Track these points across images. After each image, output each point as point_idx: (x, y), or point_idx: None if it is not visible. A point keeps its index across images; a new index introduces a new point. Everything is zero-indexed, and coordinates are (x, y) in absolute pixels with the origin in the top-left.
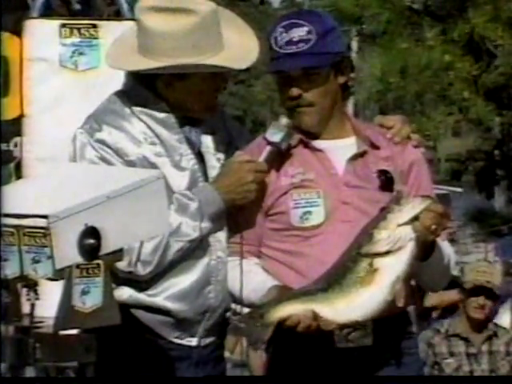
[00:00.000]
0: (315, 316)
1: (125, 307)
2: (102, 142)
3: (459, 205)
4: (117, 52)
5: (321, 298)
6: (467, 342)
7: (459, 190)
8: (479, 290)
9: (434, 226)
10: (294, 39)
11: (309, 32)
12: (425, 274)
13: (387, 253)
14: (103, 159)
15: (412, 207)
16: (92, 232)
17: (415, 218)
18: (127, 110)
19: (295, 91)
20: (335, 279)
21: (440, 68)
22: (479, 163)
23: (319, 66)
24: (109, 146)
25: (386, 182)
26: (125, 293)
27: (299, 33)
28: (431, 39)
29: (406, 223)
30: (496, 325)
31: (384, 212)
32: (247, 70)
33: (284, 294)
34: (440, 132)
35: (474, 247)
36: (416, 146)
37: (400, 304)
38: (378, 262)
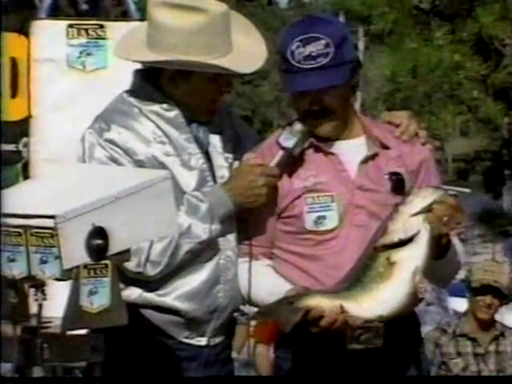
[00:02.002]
0: (342, 310)
1: (134, 307)
2: (111, 141)
3: (466, 205)
4: (126, 44)
5: (345, 295)
6: (474, 342)
7: (466, 190)
8: (487, 289)
9: (446, 218)
10: (313, 54)
11: (326, 45)
12: (438, 271)
13: (402, 244)
14: (112, 159)
15: (423, 197)
16: (99, 232)
17: (428, 210)
18: (136, 110)
19: (317, 106)
20: (356, 278)
21: (449, 68)
22: (487, 163)
23: (341, 83)
24: (118, 146)
25: (398, 183)
26: (134, 292)
27: (317, 47)
28: (439, 39)
29: (418, 213)
30: (503, 325)
31: (397, 206)
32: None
33: (303, 291)
34: (448, 132)
35: (482, 248)
36: (424, 143)
37: (421, 295)
38: (395, 256)
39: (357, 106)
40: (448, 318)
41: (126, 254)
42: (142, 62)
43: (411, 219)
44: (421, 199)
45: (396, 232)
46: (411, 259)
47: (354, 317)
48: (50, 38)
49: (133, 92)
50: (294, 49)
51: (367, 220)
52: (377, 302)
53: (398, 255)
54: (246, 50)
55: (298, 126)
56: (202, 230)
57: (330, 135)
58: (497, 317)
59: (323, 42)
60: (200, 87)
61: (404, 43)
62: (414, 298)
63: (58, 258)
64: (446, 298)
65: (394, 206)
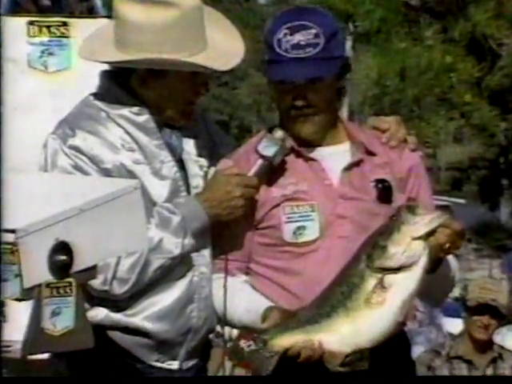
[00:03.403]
0: (319, 346)
1: (100, 328)
2: (75, 148)
3: (461, 217)
4: (91, 44)
5: (325, 326)
6: (470, 365)
7: (461, 201)
8: (484, 308)
9: (447, 245)
10: (302, 43)
11: (316, 35)
12: (430, 288)
13: (399, 269)
14: (77, 167)
15: (429, 221)
16: (63, 247)
17: (430, 233)
18: (103, 114)
19: (300, 101)
20: (339, 300)
21: (440, 70)
22: (482, 172)
23: (329, 75)
24: (83, 153)
25: (384, 191)
26: (100, 312)
27: (307, 36)
28: (430, 38)
29: (420, 237)
30: (502, 347)
31: (397, 223)
32: (231, 71)
33: (282, 316)
34: (440, 138)
35: (478, 263)
36: (413, 150)
37: (409, 321)
38: (390, 279)
39: (344, 112)
40: (441, 338)
41: (92, 271)
42: (109, 63)
43: (414, 243)
44: (427, 223)
45: (397, 256)
46: (406, 285)
47: (333, 355)
48: (8, 36)
49: (100, 95)
50: (281, 37)
51: (351, 231)
52: (361, 331)
53: (393, 279)
54: (222, 47)
55: (279, 133)
56: (174, 245)
57: (312, 137)
58: (496, 338)
59: (313, 31)
60: (174, 88)
61: (391, 43)
62: (401, 326)
63: (19, 275)
64: (438, 315)
65: (390, 219)
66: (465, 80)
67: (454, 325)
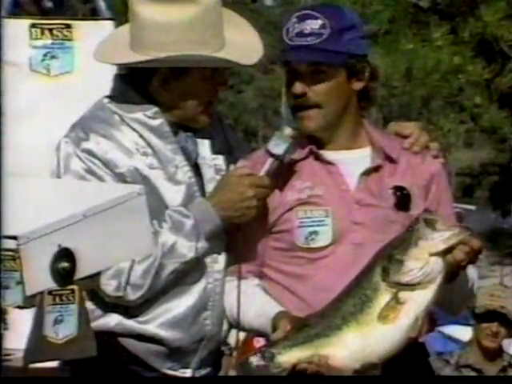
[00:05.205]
0: (326, 362)
1: (112, 336)
2: (89, 152)
3: (472, 224)
4: (106, 47)
5: (335, 340)
6: (480, 374)
7: (472, 207)
8: (492, 315)
9: (465, 262)
10: (306, 31)
11: (322, 26)
12: (446, 298)
13: (416, 285)
14: (90, 171)
15: (448, 238)
16: (66, 254)
17: (449, 250)
18: (117, 117)
19: (299, 88)
20: (351, 312)
21: (449, 71)
22: (494, 177)
23: (326, 63)
24: (97, 157)
25: (403, 199)
26: (113, 320)
27: (312, 25)
28: (439, 39)
29: (438, 254)
30: (511, 355)
31: (414, 236)
32: (237, 74)
33: (292, 325)
34: (450, 142)
35: (489, 271)
36: (435, 157)
37: (422, 339)
38: (405, 295)
39: None
40: (446, 345)
41: (95, 279)
42: (129, 64)
43: (432, 259)
44: (446, 239)
45: (415, 272)
46: (421, 302)
47: (341, 370)
48: (10, 38)
49: (113, 98)
50: (289, 26)
51: (365, 237)
52: (371, 347)
53: (408, 295)
54: (241, 43)
55: (288, 131)
56: (188, 249)
57: (315, 131)
58: (508, 348)
59: (320, 21)
60: (196, 87)
61: (399, 44)
62: (413, 341)
63: (20, 283)
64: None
65: (406, 231)
66: (474, 82)
67: (463, 332)
